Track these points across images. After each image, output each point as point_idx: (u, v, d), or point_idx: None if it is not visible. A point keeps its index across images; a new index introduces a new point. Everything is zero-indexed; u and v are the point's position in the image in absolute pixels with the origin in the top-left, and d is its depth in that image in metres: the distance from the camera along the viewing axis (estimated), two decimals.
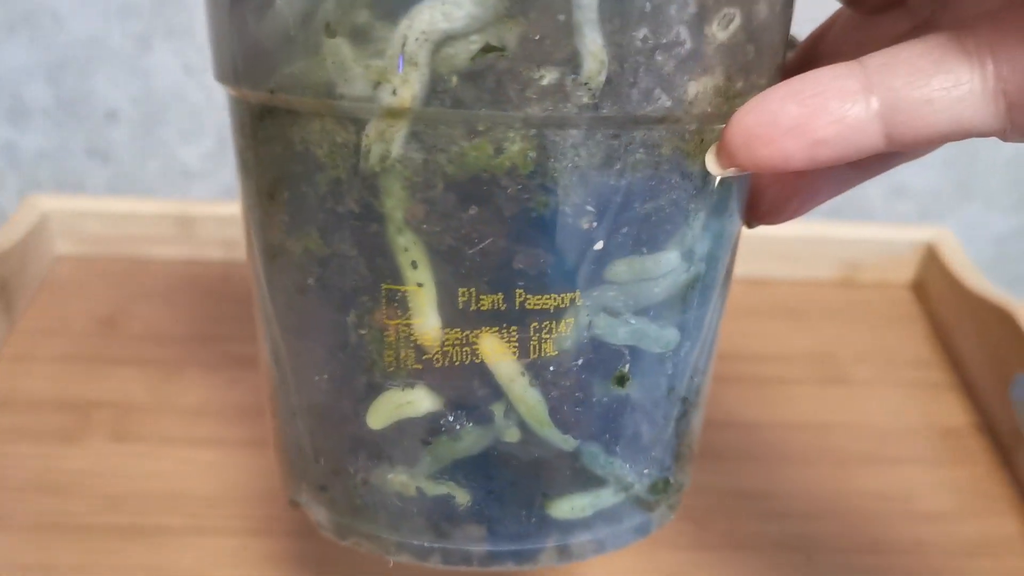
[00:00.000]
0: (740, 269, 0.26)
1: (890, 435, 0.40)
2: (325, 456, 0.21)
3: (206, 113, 0.51)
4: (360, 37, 0.16)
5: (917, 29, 0.19)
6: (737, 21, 0.17)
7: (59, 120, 0.50)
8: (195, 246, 0.48)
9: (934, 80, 0.16)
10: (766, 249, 0.49)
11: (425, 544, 0.21)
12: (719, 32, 0.17)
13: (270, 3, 0.17)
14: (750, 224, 0.22)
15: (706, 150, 0.18)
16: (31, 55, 0.48)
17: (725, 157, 0.17)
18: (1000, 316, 0.41)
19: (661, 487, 0.22)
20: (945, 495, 0.37)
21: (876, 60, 0.16)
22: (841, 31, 0.22)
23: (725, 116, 0.17)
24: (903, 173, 0.54)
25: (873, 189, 0.55)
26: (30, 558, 0.31)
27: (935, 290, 0.48)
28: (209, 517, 0.33)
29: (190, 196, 0.53)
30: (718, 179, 0.19)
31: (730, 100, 0.18)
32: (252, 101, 0.19)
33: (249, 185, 0.20)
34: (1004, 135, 0.16)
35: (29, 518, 0.33)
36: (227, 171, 0.53)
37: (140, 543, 0.32)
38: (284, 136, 0.18)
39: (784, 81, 0.17)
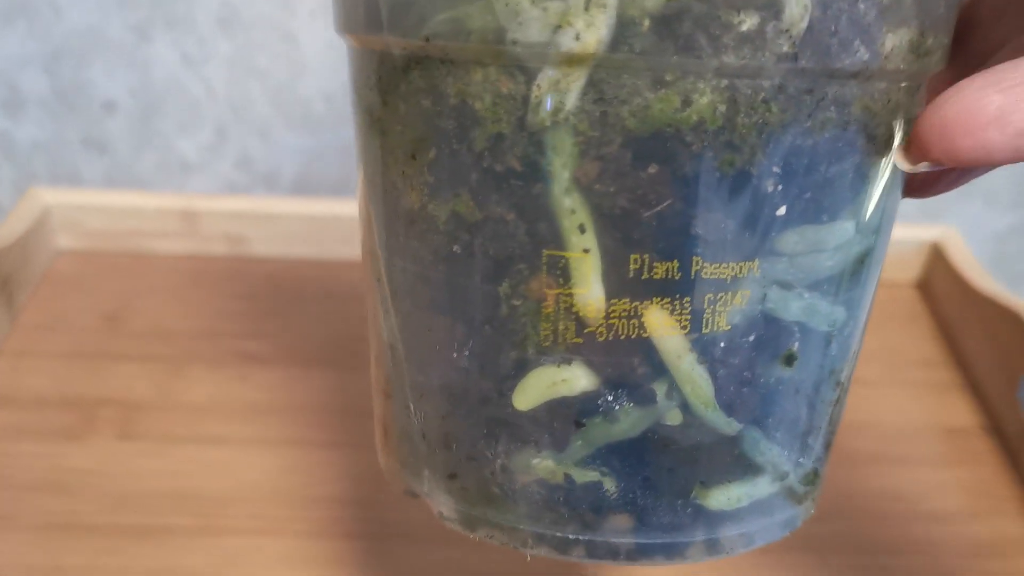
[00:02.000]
0: None
1: (897, 435, 0.40)
2: (458, 441, 0.20)
3: (205, 105, 0.50)
4: None
5: None
6: None
7: (56, 111, 0.50)
8: (198, 241, 0.47)
9: None
10: None
11: (569, 536, 0.19)
12: None
13: None
14: None
15: (893, 111, 0.17)
16: (28, 44, 0.47)
17: (918, 150, 0.16)
18: (1007, 316, 0.41)
19: (812, 478, 0.21)
20: (952, 496, 0.37)
21: None
22: None
23: (915, 75, 0.16)
24: None
25: None
26: (36, 559, 0.31)
27: (941, 289, 0.48)
28: (218, 517, 0.33)
29: (188, 189, 0.52)
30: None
31: (920, 58, 0.17)
32: (396, 52, 0.17)
33: (382, 146, 0.19)
34: None
35: (35, 518, 0.32)
36: (225, 163, 0.52)
37: (148, 543, 0.32)
38: (435, 89, 0.17)
39: (978, 73, 0.16)
